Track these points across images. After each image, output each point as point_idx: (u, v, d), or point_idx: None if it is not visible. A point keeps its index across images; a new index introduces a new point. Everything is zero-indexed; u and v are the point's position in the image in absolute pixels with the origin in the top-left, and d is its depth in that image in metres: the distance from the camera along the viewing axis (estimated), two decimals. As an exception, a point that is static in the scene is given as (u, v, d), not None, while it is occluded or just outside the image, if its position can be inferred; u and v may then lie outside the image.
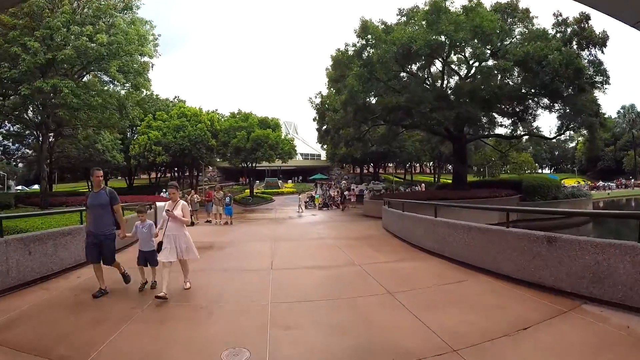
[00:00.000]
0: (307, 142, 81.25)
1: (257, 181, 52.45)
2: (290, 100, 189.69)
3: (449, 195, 20.07)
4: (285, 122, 70.22)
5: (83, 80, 18.59)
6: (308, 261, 8.43)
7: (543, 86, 19.18)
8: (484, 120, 22.67)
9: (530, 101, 22.07)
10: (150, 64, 18.38)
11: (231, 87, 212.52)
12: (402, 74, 22.33)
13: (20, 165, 50.61)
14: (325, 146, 50.63)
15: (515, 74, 20.65)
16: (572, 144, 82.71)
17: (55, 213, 9.04)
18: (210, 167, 56.17)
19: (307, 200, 30.02)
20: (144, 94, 40.35)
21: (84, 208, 6.16)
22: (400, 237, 10.96)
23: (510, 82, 21.08)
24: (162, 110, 39.41)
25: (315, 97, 31.06)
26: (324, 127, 31.96)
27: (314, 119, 32.66)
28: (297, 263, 8.24)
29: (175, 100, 48.16)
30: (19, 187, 55.81)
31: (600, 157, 71.29)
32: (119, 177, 54.39)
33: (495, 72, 19.71)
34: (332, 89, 26.81)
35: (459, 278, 6.43)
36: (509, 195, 21.07)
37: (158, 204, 16.44)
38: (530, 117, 23.40)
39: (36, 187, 47.53)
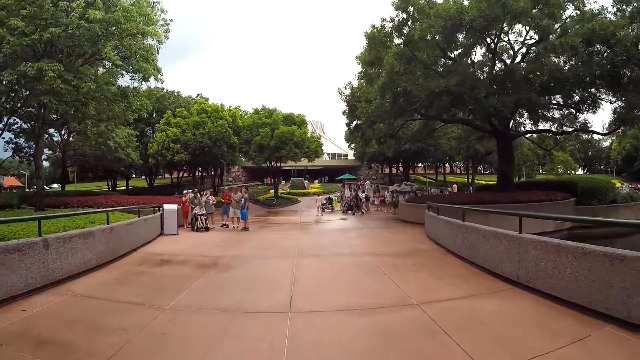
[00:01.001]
0: (334, 141, 79.89)
1: (283, 181, 50.68)
2: (317, 100, 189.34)
3: (498, 198, 17.30)
4: (311, 121, 68.67)
5: (92, 70, 17.01)
6: (342, 296, 5.87)
7: (614, 68, 16.26)
8: (540, 110, 19.69)
9: (592, 88, 19.03)
10: (156, 48, 16.34)
11: (255, 85, 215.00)
12: (442, 60, 19.68)
13: (45, 163, 50.44)
14: (353, 145, 48.11)
15: (577, 55, 17.72)
16: (606, 143, 78.41)
17: (13, 221, 7.12)
18: (235, 167, 54.80)
19: (325, 202, 26.90)
20: (164, 90, 39.21)
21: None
22: (458, 255, 8.42)
23: (570, 65, 18.14)
24: (183, 107, 37.90)
25: (345, 87, 28.07)
26: (354, 122, 29.19)
27: (343, 112, 29.80)
28: (327, 300, 5.68)
29: (198, 97, 46.71)
30: (38, 186, 56.04)
31: (637, 157, 68.04)
32: (143, 177, 53.72)
33: (559, 51, 16.73)
34: (362, 80, 24.28)
35: (577, 333, 4.10)
36: (565, 199, 18.33)
37: (165, 206, 14.49)
38: (589, 108, 20.32)
39: (55, 186, 47.35)
